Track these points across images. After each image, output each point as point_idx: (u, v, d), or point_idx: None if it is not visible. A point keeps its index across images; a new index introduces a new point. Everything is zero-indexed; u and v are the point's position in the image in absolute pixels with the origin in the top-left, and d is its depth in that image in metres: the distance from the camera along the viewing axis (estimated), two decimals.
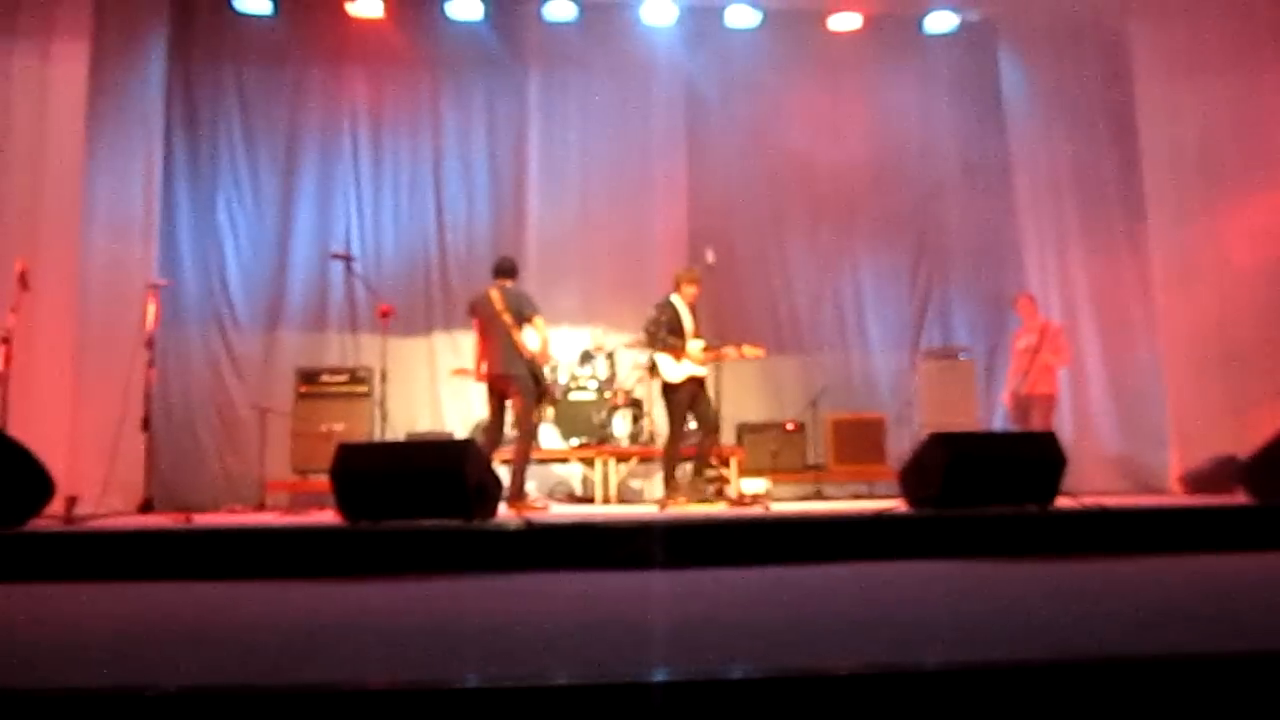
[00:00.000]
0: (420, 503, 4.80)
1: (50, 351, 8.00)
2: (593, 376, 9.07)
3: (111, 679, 1.99)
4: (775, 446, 9.06)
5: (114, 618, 3.11)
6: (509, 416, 7.16)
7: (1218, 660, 1.93)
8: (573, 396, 8.91)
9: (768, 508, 6.73)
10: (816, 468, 9.19)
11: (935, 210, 10.38)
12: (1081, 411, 9.61)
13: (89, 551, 4.34)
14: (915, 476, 5.39)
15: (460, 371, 8.41)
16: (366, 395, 8.53)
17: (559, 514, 6.78)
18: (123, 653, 2.36)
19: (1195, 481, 8.34)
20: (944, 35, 10.17)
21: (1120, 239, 9.73)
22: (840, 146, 9.80)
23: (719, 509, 7.09)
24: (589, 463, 8.77)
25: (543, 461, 8.66)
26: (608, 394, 8.95)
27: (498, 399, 7.10)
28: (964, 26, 10.14)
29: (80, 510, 6.82)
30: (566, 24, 9.77)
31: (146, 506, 7.22)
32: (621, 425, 8.92)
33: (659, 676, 1.79)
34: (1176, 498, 8.25)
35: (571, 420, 8.81)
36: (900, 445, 8.88)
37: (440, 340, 9.71)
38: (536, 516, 5.78)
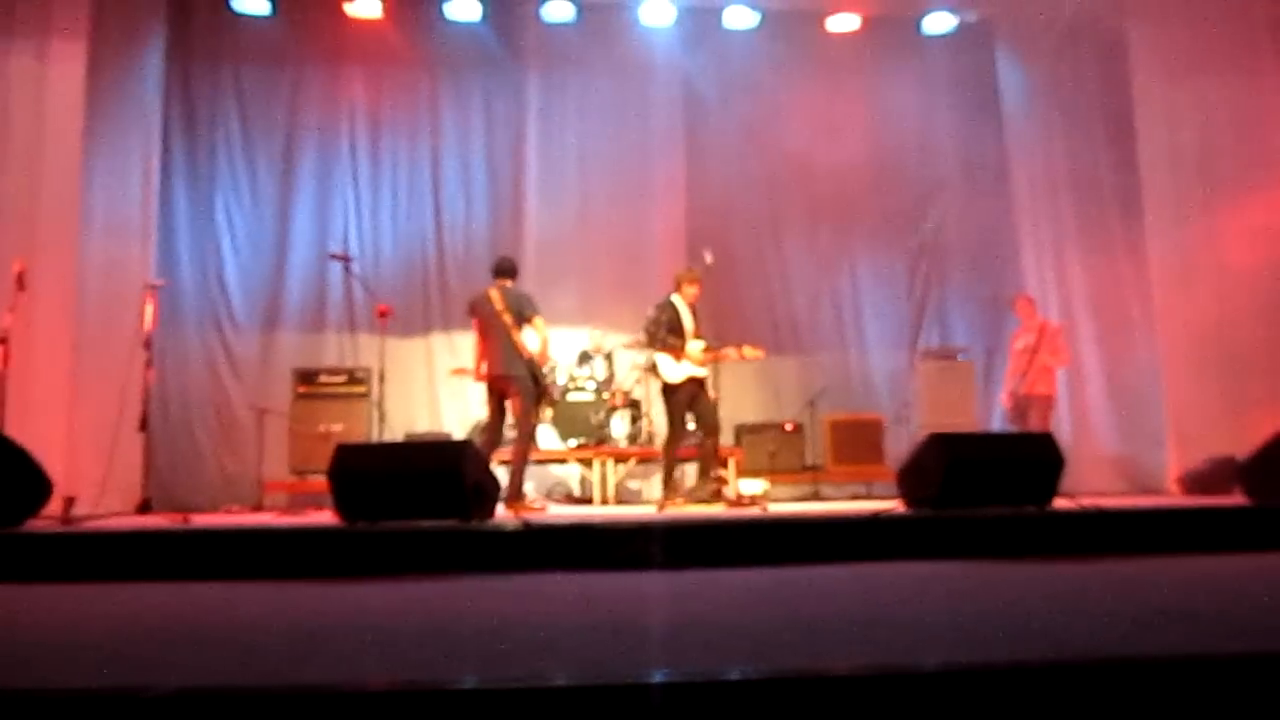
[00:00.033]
0: (418, 503, 4.80)
1: (48, 352, 8.00)
2: (591, 377, 9.07)
3: (109, 680, 1.99)
4: (773, 447, 9.07)
5: (111, 618, 3.11)
6: (508, 417, 7.14)
7: (1216, 661, 1.93)
8: (571, 397, 8.91)
9: (765, 508, 6.73)
10: (815, 468, 9.19)
11: (933, 210, 10.38)
12: (1079, 412, 9.62)
13: (86, 552, 4.34)
14: (913, 477, 5.39)
15: (460, 371, 8.40)
16: (364, 396, 8.53)
17: (557, 515, 6.77)
18: (120, 653, 2.36)
19: (1193, 482, 8.35)
20: (942, 36, 10.19)
21: (1118, 239, 9.74)
22: (838, 147, 9.80)
23: (717, 510, 7.08)
24: (587, 463, 8.77)
25: (541, 462, 8.65)
26: (606, 395, 8.95)
27: (497, 399, 7.09)
28: (962, 27, 10.15)
29: (78, 511, 6.82)
30: (565, 24, 9.77)
31: (144, 507, 7.22)
32: (620, 426, 8.92)
33: (657, 677, 1.79)
34: (1174, 498, 8.25)
35: (570, 421, 8.81)
36: (898, 446, 8.88)
37: (438, 341, 9.70)
38: (534, 517, 5.78)
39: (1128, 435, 9.56)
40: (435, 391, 9.63)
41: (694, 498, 7.27)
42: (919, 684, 1.80)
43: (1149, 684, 1.82)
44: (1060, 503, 5.29)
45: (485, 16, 9.66)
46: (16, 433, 5.09)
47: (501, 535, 4.57)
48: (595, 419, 8.84)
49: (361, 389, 8.58)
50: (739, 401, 9.25)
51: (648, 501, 8.71)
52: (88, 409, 8.14)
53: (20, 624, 3.03)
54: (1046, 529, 4.92)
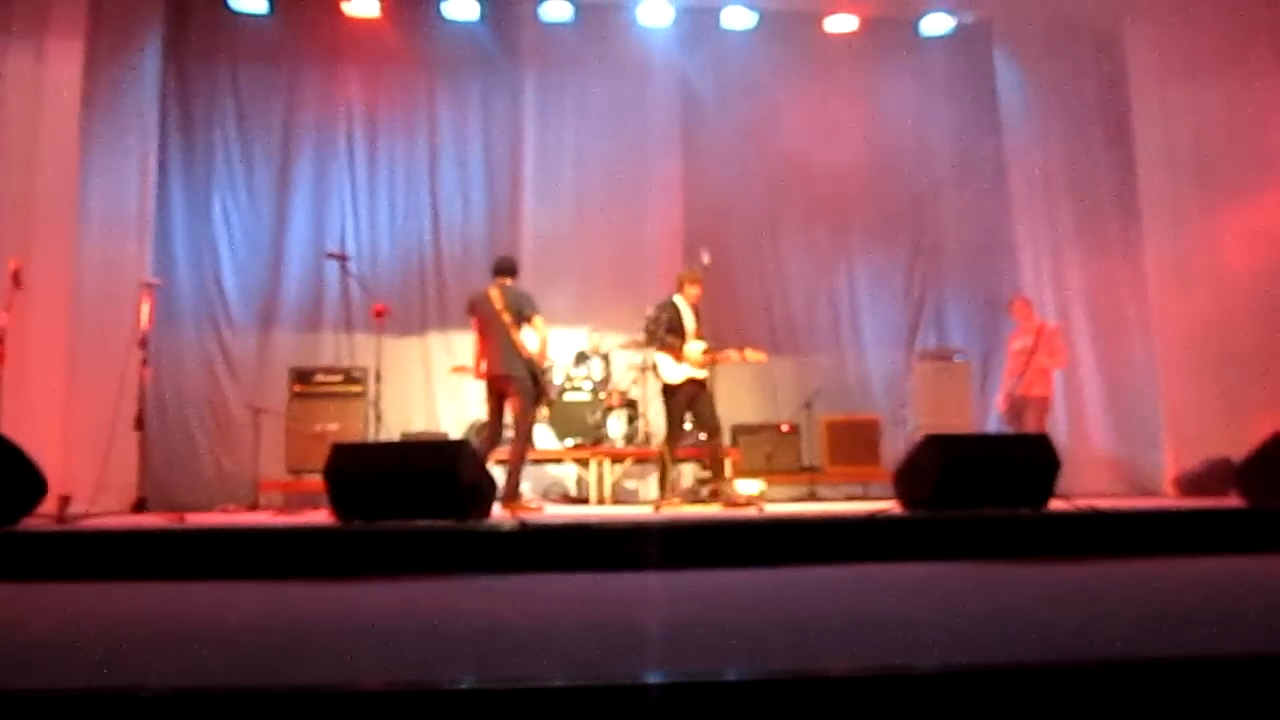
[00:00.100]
0: (414, 503, 4.80)
1: (44, 350, 7.98)
2: (588, 377, 9.06)
3: (103, 679, 1.98)
4: (770, 448, 9.07)
5: (106, 618, 3.11)
6: (507, 416, 7.13)
7: (1212, 663, 1.94)
8: (568, 397, 8.91)
9: (762, 509, 6.73)
10: (811, 469, 9.19)
11: (931, 211, 10.39)
12: (1076, 413, 9.63)
13: (81, 551, 4.33)
14: (910, 478, 5.39)
15: (460, 369, 8.39)
16: (361, 395, 8.51)
17: (553, 515, 6.77)
18: (115, 653, 2.35)
19: (1189, 484, 8.36)
20: (940, 37, 10.19)
21: (1115, 240, 9.74)
22: (836, 148, 9.80)
23: (713, 510, 7.08)
24: (584, 463, 8.76)
25: (538, 462, 8.65)
26: (603, 395, 8.95)
27: (496, 398, 7.08)
28: (959, 28, 10.15)
29: (73, 510, 6.80)
30: (563, 24, 9.76)
31: (140, 506, 7.20)
32: (616, 426, 8.91)
33: (653, 678, 1.79)
34: (1170, 500, 8.26)
35: (566, 421, 8.81)
36: (895, 447, 8.89)
37: (435, 340, 9.70)
38: (531, 517, 5.77)
39: (1124, 436, 9.57)
40: (432, 391, 9.62)
41: (691, 498, 7.27)
42: (915, 685, 1.80)
43: (1145, 685, 1.82)
44: (1056, 504, 5.30)
45: (483, 16, 9.65)
46: (12, 431, 5.08)
47: (498, 535, 4.57)
48: (592, 419, 8.84)
49: (358, 388, 8.57)
50: (735, 402, 9.25)
51: (644, 502, 8.71)
52: (83, 408, 8.12)
53: (14, 623, 3.02)
54: (1042, 530, 4.93)
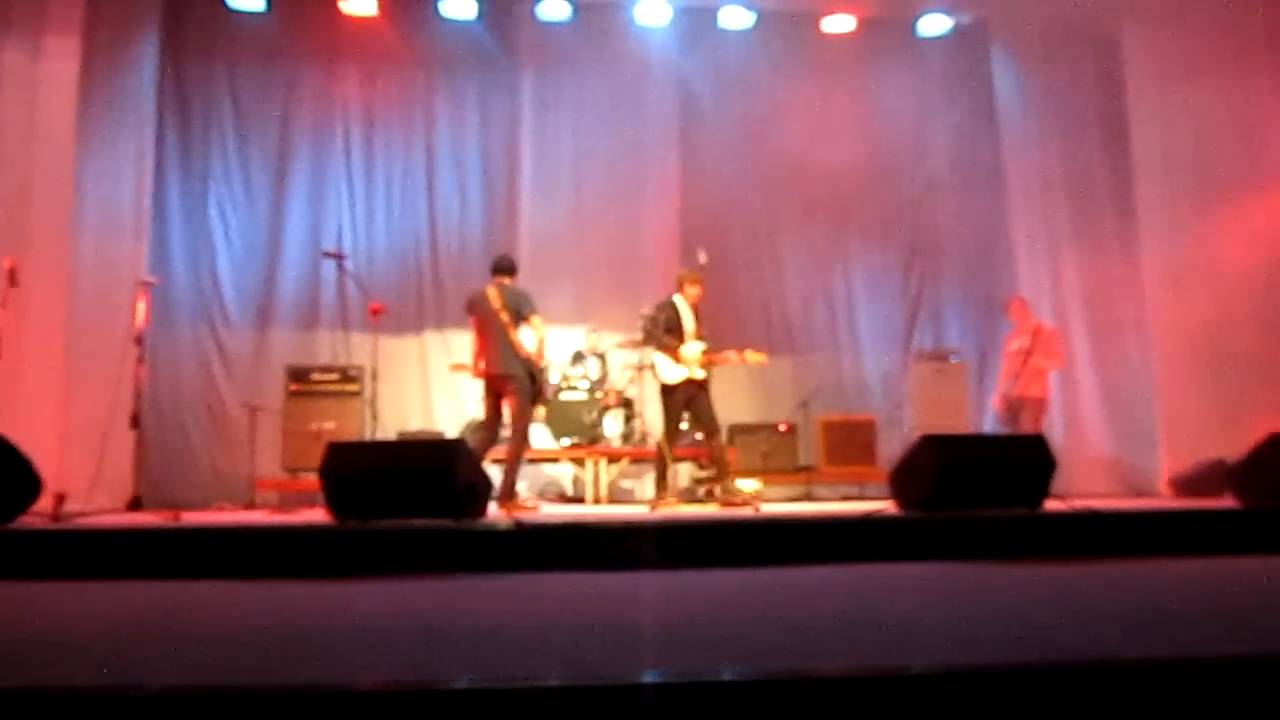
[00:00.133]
0: (410, 502, 4.80)
1: (39, 348, 7.96)
2: (584, 376, 9.06)
3: (97, 678, 1.98)
4: (766, 447, 9.07)
5: (101, 617, 3.10)
6: (506, 415, 7.12)
7: (1207, 663, 1.94)
8: (564, 396, 8.90)
9: (758, 509, 6.73)
10: (807, 469, 9.20)
11: (928, 212, 10.39)
12: (1072, 414, 9.63)
13: (76, 549, 4.33)
14: (906, 478, 5.40)
15: (459, 367, 8.38)
16: (357, 394, 8.49)
17: (549, 514, 6.77)
18: (109, 652, 2.35)
19: (1184, 485, 8.37)
20: (937, 38, 10.19)
21: (1112, 242, 9.75)
22: (833, 148, 9.80)
23: (709, 510, 7.08)
24: (580, 463, 8.76)
25: (534, 461, 8.64)
26: (599, 394, 8.94)
27: (494, 397, 7.07)
28: (957, 29, 10.15)
29: (68, 508, 6.79)
30: (560, 23, 9.76)
31: (135, 504, 7.19)
32: (613, 425, 8.91)
33: (649, 678, 1.79)
34: (1165, 501, 8.27)
35: (563, 420, 8.80)
36: (891, 447, 8.89)
37: (432, 339, 9.68)
38: (527, 517, 5.77)
39: (1120, 437, 9.57)
40: (428, 390, 9.61)
41: (687, 497, 7.27)
42: (911, 685, 1.80)
43: (1140, 686, 1.82)
44: (1052, 504, 5.31)
45: (480, 14, 9.63)
46: (7, 429, 5.07)
47: (494, 534, 4.57)
48: (588, 418, 8.83)
49: (354, 387, 8.56)
50: (732, 402, 9.25)
51: (640, 501, 8.71)
52: (79, 406, 8.10)
53: (9, 622, 3.02)
54: (1038, 531, 4.94)
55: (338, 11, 9.43)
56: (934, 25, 10.10)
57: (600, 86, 9.97)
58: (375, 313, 7.55)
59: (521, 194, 9.84)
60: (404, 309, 9.42)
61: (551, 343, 7.68)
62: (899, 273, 10.45)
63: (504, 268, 7.24)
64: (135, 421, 7.08)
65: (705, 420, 7.32)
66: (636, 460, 8.77)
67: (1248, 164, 9.00)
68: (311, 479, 6.12)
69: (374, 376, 7.59)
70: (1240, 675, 1.87)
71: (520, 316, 6.98)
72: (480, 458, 6.68)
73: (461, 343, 8.82)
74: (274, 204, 9.61)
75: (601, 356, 9.23)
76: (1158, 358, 9.30)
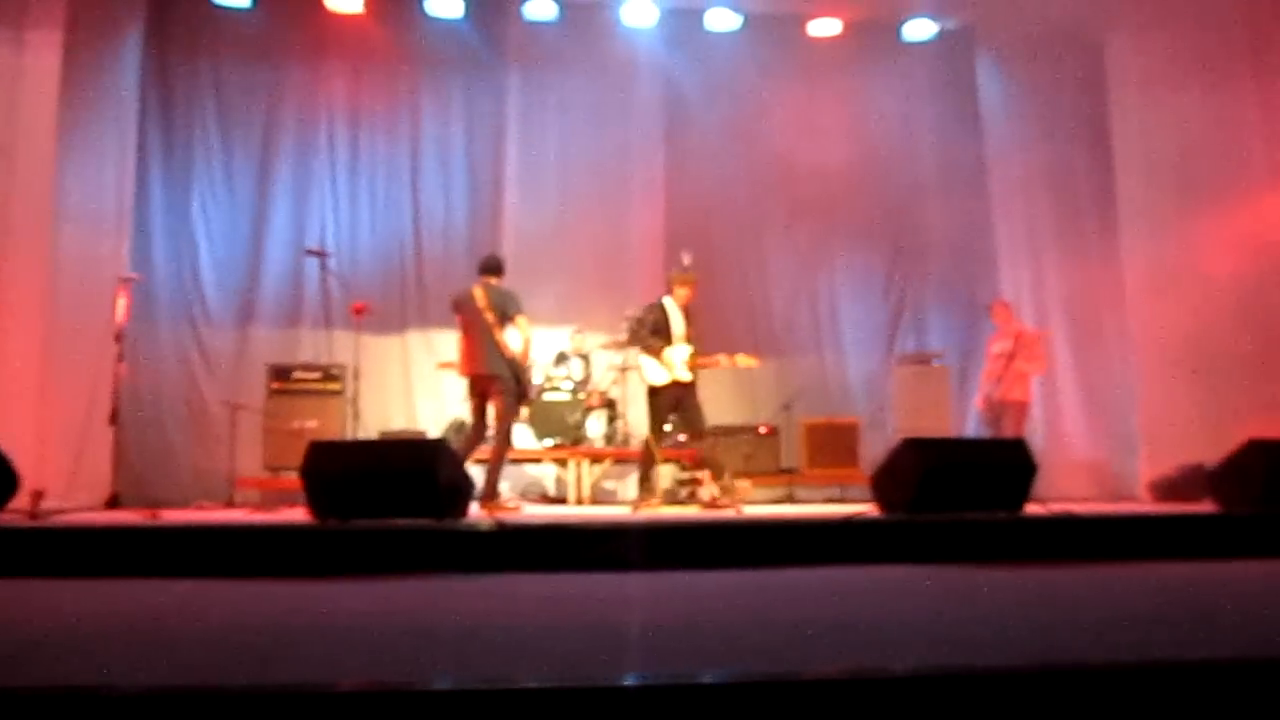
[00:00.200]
0: (391, 502, 4.78)
1: (18, 344, 7.89)
2: (568, 377, 9.04)
3: (74, 678, 1.96)
4: (749, 449, 9.08)
5: (78, 615, 3.07)
6: (491, 415, 7.09)
7: (1184, 667, 1.95)
8: (547, 397, 8.88)
9: (740, 511, 6.74)
10: (790, 471, 9.21)
11: (912, 215, 10.42)
12: (1053, 418, 9.68)
13: (54, 547, 4.29)
14: (887, 481, 5.42)
15: (446, 365, 8.36)
16: (339, 393, 8.46)
17: (531, 515, 6.76)
18: (86, 651, 2.33)
19: (1164, 489, 8.42)
20: (922, 43, 10.24)
21: (1094, 246, 9.80)
22: (818, 151, 9.81)
23: (692, 511, 7.09)
24: (563, 463, 8.75)
25: (516, 462, 8.62)
26: (582, 395, 8.93)
27: (479, 398, 7.05)
28: (942, 34, 10.20)
29: (46, 505, 6.72)
30: (547, 23, 9.74)
31: (114, 502, 7.14)
32: (596, 426, 8.91)
33: (631, 680, 1.79)
34: (1145, 505, 8.32)
35: (546, 421, 8.78)
36: (874, 450, 8.90)
37: (415, 338, 9.65)
38: (508, 517, 5.76)
39: (1100, 441, 9.62)
40: (411, 389, 9.58)
41: (669, 499, 7.27)
42: (892, 688, 1.80)
43: (1120, 689, 1.83)
44: (1032, 508, 5.33)
45: (467, 13, 9.61)
46: None
47: (475, 535, 4.56)
48: (571, 419, 8.81)
49: (336, 386, 8.52)
50: (715, 403, 9.22)
51: (623, 502, 8.70)
52: (58, 402, 8.04)
53: None
54: (1018, 534, 4.96)
55: (323, 8, 9.38)
56: (919, 30, 10.14)
57: (586, 87, 9.96)
58: (358, 311, 7.52)
59: (506, 194, 9.82)
60: (387, 308, 9.37)
61: (536, 343, 7.66)
62: (882, 275, 10.49)
63: (491, 267, 7.22)
64: (114, 418, 7.04)
65: (694, 423, 7.31)
66: (619, 461, 8.76)
67: (1229, 169, 9.06)
68: (292, 478, 6.09)
69: (356, 375, 7.57)
70: (1219, 679, 1.88)
71: (506, 317, 6.95)
72: (465, 458, 6.67)
73: (444, 342, 8.79)
74: (257, 201, 9.56)
75: (585, 357, 9.21)
76: (1139, 362, 9.36)
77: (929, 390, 9.33)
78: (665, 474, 7.62)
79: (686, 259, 7.55)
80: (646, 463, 7.26)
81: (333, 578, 4.04)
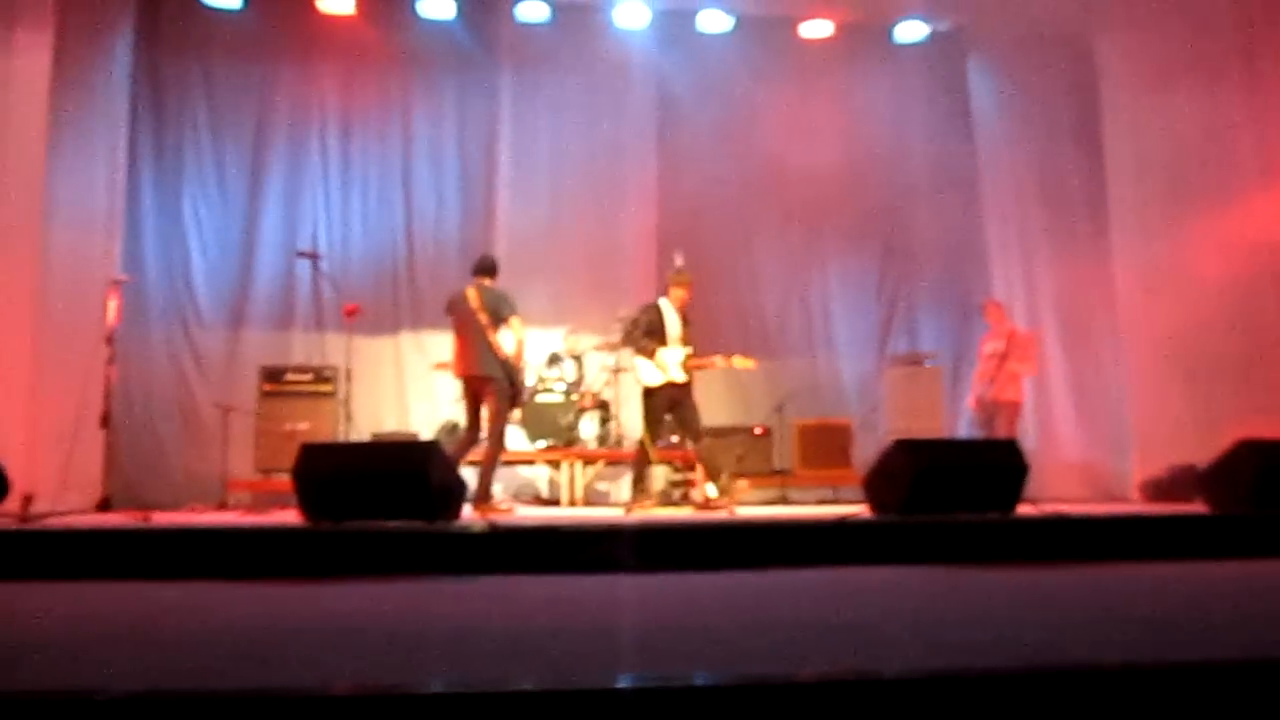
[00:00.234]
0: (383, 504, 4.77)
1: (9, 346, 7.86)
2: (560, 379, 9.04)
3: (64, 682, 1.95)
4: (741, 451, 9.07)
5: (69, 618, 3.06)
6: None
7: (1175, 668, 1.95)
8: (540, 398, 8.87)
9: (733, 512, 6.74)
10: (782, 472, 9.21)
11: (904, 216, 10.44)
12: (1045, 419, 9.69)
13: (45, 550, 4.28)
14: (880, 482, 5.42)
15: (442, 365, 8.35)
16: (331, 395, 8.45)
17: (524, 516, 6.75)
18: (77, 655, 2.32)
19: (1155, 490, 8.45)
20: (914, 44, 10.25)
21: (1085, 247, 9.81)
22: (810, 152, 9.82)
23: (685, 513, 7.08)
24: (556, 465, 8.74)
25: (509, 463, 8.61)
26: (575, 396, 8.92)
27: (473, 399, 7.03)
28: (934, 36, 10.22)
29: (37, 508, 6.71)
30: (539, 25, 9.73)
31: (105, 505, 7.11)
32: (589, 428, 8.90)
33: (624, 683, 1.79)
34: (1136, 506, 8.34)
35: (538, 422, 8.77)
36: (866, 451, 8.90)
37: (407, 340, 9.63)
38: (501, 519, 5.76)
39: (1092, 442, 9.64)
40: (403, 391, 9.56)
41: (662, 500, 7.27)
42: (885, 689, 1.81)
43: (1112, 690, 1.84)
44: (1024, 509, 5.34)
45: (459, 14, 9.60)
46: None
47: (468, 537, 4.56)
48: (564, 420, 8.81)
49: (328, 388, 8.51)
50: (708, 404, 9.20)
51: (616, 504, 8.70)
52: (49, 404, 8.00)
53: None
54: (1010, 535, 4.97)
55: (315, 9, 9.36)
56: (911, 32, 10.16)
57: (579, 88, 9.96)
58: (350, 313, 7.50)
59: (499, 195, 9.81)
60: (379, 310, 9.35)
61: (528, 344, 7.66)
62: (874, 276, 10.51)
63: (485, 268, 7.20)
64: (106, 421, 7.01)
65: (689, 424, 7.29)
66: (612, 463, 8.76)
67: (1220, 170, 9.09)
68: (284, 480, 6.06)
69: (348, 377, 7.55)
70: (1209, 680, 1.88)
71: (499, 318, 6.94)
72: (460, 459, 6.66)
73: (437, 344, 8.77)
74: (249, 202, 9.53)
75: (578, 358, 9.20)
76: (1130, 363, 9.38)
77: (921, 391, 9.34)
78: (659, 475, 7.63)
79: (678, 260, 7.56)
80: (640, 464, 7.24)
81: (325, 580, 4.03)
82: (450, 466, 5.44)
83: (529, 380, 8.80)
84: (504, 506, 7.11)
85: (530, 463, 8.91)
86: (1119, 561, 4.53)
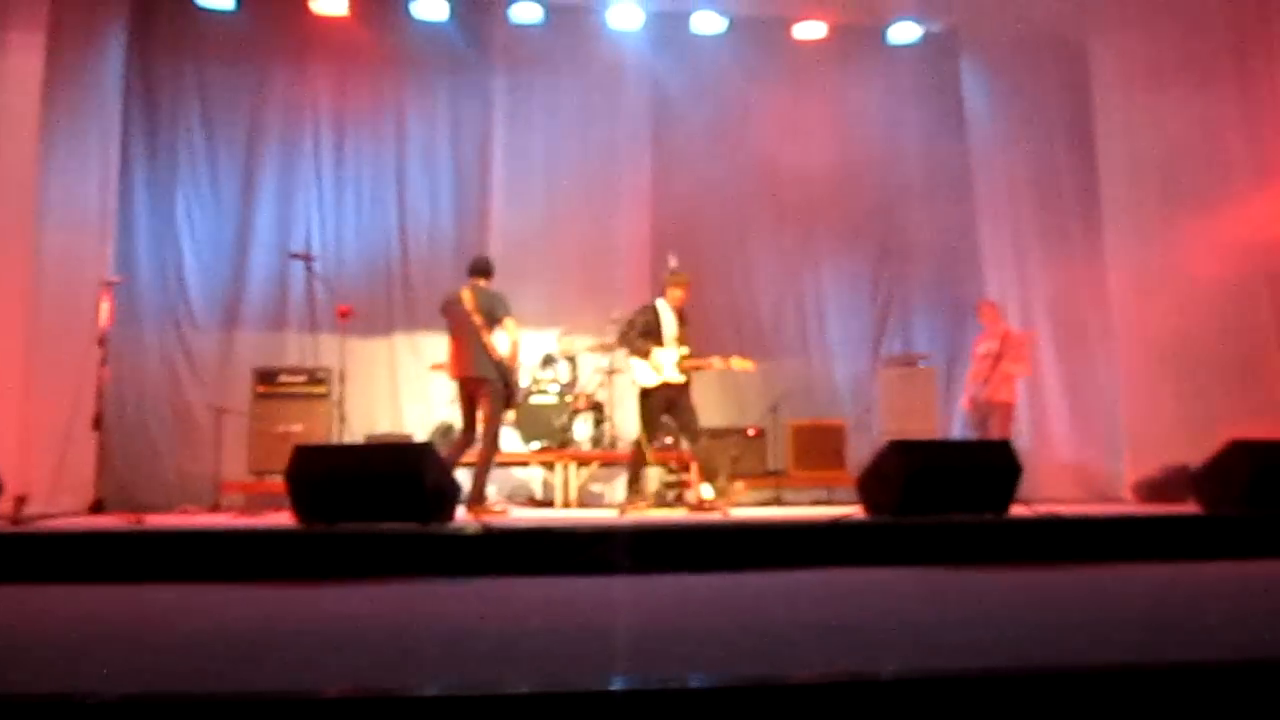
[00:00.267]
0: (377, 506, 4.77)
1: (0, 347, 7.84)
2: (554, 380, 9.03)
3: (57, 685, 1.95)
4: (735, 452, 9.06)
5: (62, 621, 3.05)
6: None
7: (1169, 668, 1.96)
8: (534, 400, 8.86)
9: (727, 513, 6.74)
10: (777, 473, 9.21)
11: (897, 217, 10.45)
12: (1038, 419, 9.70)
13: (37, 552, 4.27)
14: (874, 483, 5.43)
15: (438, 366, 8.34)
16: (325, 396, 8.42)
17: (518, 518, 6.74)
18: (70, 657, 2.31)
19: (1147, 491, 8.46)
20: (907, 46, 10.27)
21: (1079, 248, 9.83)
22: (804, 153, 9.82)
23: (679, 514, 7.08)
24: (550, 467, 8.73)
25: (503, 465, 8.59)
26: (569, 397, 8.92)
27: (468, 400, 7.02)
28: (927, 37, 10.23)
29: (29, 510, 6.68)
30: (533, 26, 9.72)
31: (97, 507, 7.09)
32: (583, 429, 8.89)
33: (618, 684, 1.79)
34: (1129, 506, 8.35)
35: (532, 424, 8.76)
36: (860, 451, 8.91)
37: (401, 341, 9.62)
38: (495, 521, 5.75)
39: (1085, 443, 9.65)
40: (397, 393, 9.54)
41: (657, 502, 7.26)
42: (879, 691, 1.81)
43: (1105, 691, 1.84)
44: (1017, 510, 5.35)
45: (452, 16, 9.58)
46: None
47: (462, 538, 4.55)
48: (558, 422, 8.80)
49: (322, 389, 8.48)
50: (702, 405, 9.20)
51: (610, 505, 8.69)
52: (41, 406, 7.97)
53: None
54: (1004, 536, 4.98)
55: (308, 11, 9.34)
56: (904, 33, 10.17)
57: (572, 90, 9.96)
58: (344, 315, 7.49)
59: (493, 196, 9.80)
60: (373, 311, 9.34)
61: (523, 345, 7.65)
62: (868, 277, 10.52)
63: (480, 269, 7.19)
64: (98, 423, 6.99)
65: (687, 425, 7.29)
66: (606, 464, 8.75)
67: (1213, 171, 9.10)
68: (278, 482, 6.05)
69: (342, 379, 7.54)
70: (1202, 680, 1.89)
71: (494, 319, 6.92)
72: (455, 461, 6.66)
73: (431, 345, 8.77)
74: (242, 204, 9.51)
75: (572, 360, 9.20)
76: (1123, 363, 9.39)
77: (915, 391, 9.36)
78: (653, 477, 7.62)
79: (673, 261, 7.55)
80: (636, 465, 7.24)
81: (318, 582, 4.02)
82: (444, 468, 5.44)
83: (523, 381, 8.80)
84: (498, 508, 7.10)
85: (524, 464, 8.90)
86: (1112, 562, 4.54)
